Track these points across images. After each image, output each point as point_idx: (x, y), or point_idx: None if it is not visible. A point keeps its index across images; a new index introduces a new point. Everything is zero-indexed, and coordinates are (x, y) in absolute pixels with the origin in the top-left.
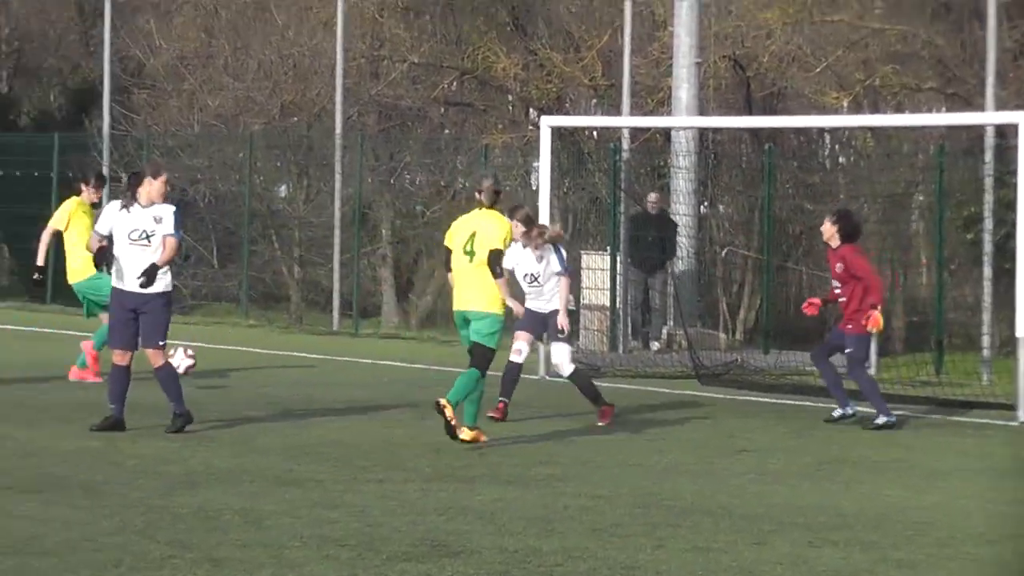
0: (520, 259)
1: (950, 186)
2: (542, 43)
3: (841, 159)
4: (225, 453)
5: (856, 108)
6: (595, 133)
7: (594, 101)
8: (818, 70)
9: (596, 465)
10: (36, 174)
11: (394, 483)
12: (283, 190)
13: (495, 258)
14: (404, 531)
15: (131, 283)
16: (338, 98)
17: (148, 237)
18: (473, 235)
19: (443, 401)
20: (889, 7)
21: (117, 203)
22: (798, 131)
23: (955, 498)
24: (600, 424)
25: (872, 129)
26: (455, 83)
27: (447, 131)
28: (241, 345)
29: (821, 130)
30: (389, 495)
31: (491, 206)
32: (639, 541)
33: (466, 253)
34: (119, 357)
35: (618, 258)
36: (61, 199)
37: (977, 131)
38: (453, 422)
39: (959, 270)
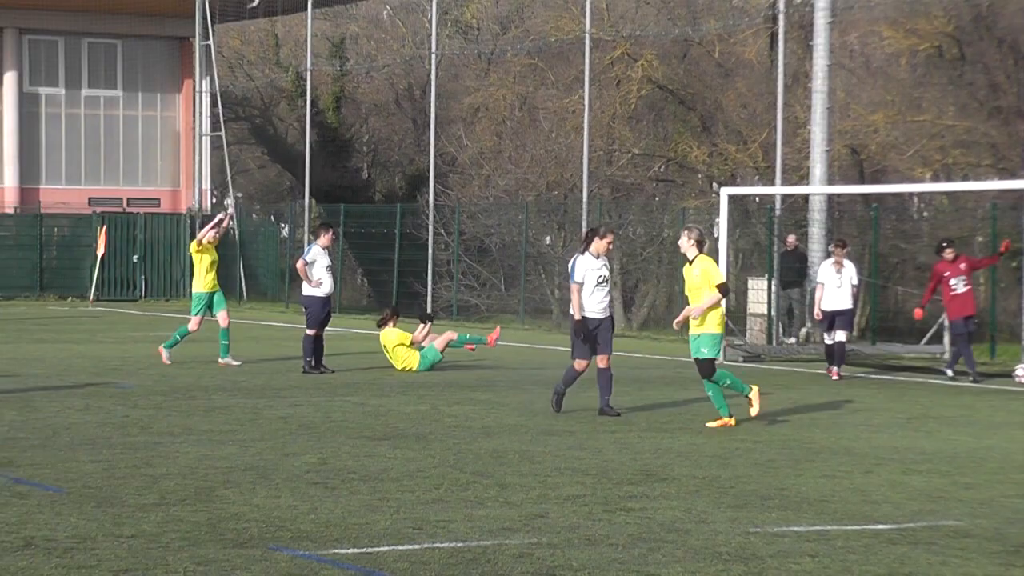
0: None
1: (1000, 230)
2: (721, 138)
3: (925, 213)
4: (509, 414)
5: (935, 179)
6: (757, 198)
7: (756, 177)
8: (909, 153)
9: (757, 420)
10: (385, 231)
11: (622, 433)
12: (548, 239)
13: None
14: (627, 464)
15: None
16: (584, 178)
17: (606, 280)
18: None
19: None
20: (958, 110)
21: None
22: (895, 195)
23: (1004, 442)
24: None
25: (946, 192)
26: (662, 166)
27: (656, 199)
28: (519, 342)
29: (911, 194)
30: (618, 441)
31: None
32: (786, 471)
33: None
34: (581, 365)
35: (772, 282)
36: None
37: (1018, 193)
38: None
39: (1006, 288)
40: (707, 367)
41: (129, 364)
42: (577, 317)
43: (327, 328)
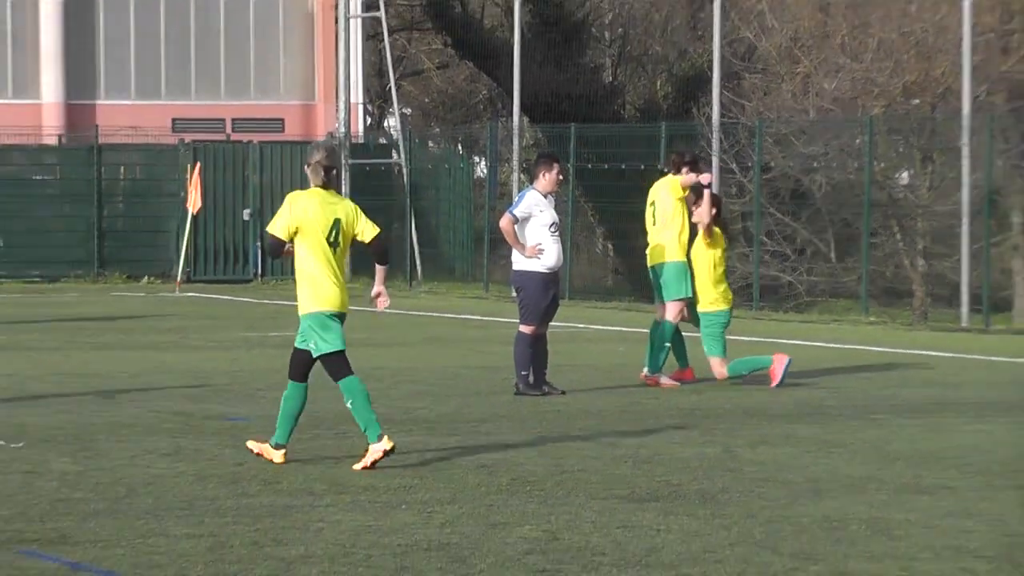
0: None
1: None
2: None
3: None
4: (850, 459)
5: None
6: None
7: None
8: None
9: None
10: (643, 167)
11: None
12: (905, 177)
13: None
14: None
15: None
16: (965, 76)
17: None
18: None
19: None
20: None
21: None
22: None
23: None
24: None
25: None
26: None
27: None
28: (861, 344)
29: None
30: None
31: None
32: None
33: None
34: None
35: None
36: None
37: None
38: None
39: None
40: (331, 365)
41: (242, 382)
42: None
43: (552, 323)
